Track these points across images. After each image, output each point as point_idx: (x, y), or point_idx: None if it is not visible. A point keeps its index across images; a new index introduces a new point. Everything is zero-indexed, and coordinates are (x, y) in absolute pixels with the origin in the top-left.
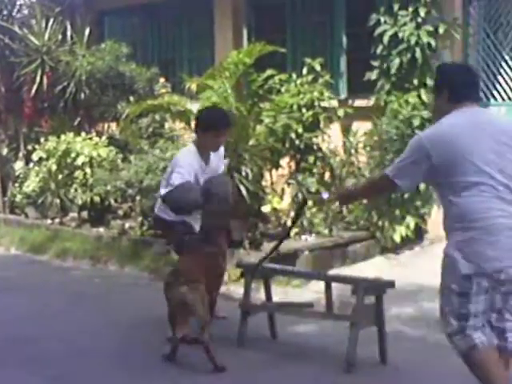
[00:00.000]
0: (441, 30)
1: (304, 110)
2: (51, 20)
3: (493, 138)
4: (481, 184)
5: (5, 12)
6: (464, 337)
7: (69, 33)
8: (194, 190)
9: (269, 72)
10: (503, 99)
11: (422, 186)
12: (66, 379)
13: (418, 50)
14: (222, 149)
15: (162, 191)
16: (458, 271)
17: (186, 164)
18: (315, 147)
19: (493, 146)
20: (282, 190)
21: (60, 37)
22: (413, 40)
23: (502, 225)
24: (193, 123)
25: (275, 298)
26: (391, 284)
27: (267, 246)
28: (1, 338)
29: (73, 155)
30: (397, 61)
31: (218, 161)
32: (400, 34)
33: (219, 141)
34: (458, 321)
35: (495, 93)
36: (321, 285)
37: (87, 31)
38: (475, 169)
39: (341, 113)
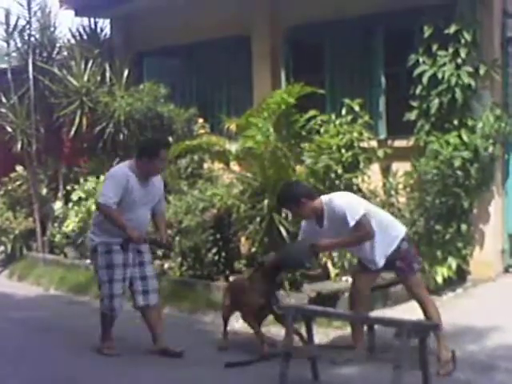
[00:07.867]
0: (481, 71)
1: (343, 151)
2: (90, 61)
3: None
4: None
5: (45, 54)
6: None
7: (108, 74)
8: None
9: (311, 113)
10: None
11: (464, 227)
12: None
13: (458, 90)
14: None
15: None
16: None
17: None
18: (355, 187)
19: None
20: None
21: (99, 78)
22: (453, 80)
23: None
24: (232, 164)
25: (316, 340)
26: (435, 326)
27: (307, 287)
28: (41, 377)
29: None
30: (436, 101)
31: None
32: (439, 75)
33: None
34: None
35: None
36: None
37: (126, 72)
38: None
39: (380, 153)
